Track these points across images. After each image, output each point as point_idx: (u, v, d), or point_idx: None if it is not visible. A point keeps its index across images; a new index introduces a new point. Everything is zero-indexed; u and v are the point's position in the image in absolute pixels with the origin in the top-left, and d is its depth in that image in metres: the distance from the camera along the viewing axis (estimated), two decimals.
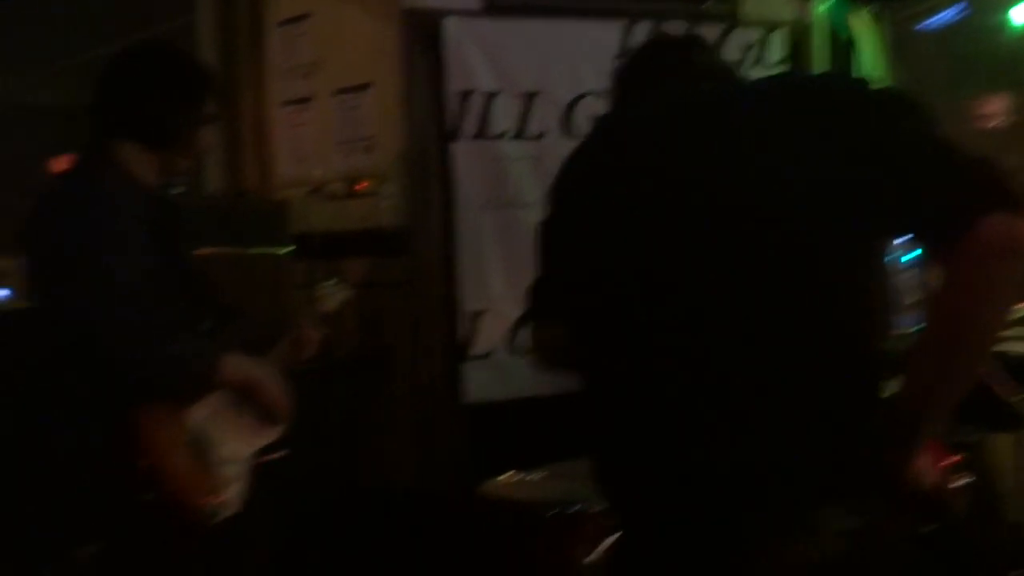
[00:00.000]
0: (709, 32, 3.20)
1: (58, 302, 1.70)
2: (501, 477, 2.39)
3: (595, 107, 3.10)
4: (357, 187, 3.17)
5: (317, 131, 3.31)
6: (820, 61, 3.43)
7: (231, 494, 1.79)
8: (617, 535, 1.91)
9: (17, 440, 2.39)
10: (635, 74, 1.47)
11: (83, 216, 1.69)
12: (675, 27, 3.16)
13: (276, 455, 1.90)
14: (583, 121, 3.11)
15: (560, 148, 3.08)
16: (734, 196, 1.20)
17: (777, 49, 3.30)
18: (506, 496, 2.28)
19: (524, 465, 2.45)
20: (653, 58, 1.48)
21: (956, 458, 1.27)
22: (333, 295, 2.19)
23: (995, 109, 11.77)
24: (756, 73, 3.26)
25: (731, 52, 3.25)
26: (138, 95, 1.81)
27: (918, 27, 5.41)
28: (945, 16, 6.55)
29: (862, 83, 1.36)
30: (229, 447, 1.82)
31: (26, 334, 2.05)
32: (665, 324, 1.24)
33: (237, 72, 3.43)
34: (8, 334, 2.60)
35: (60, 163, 2.55)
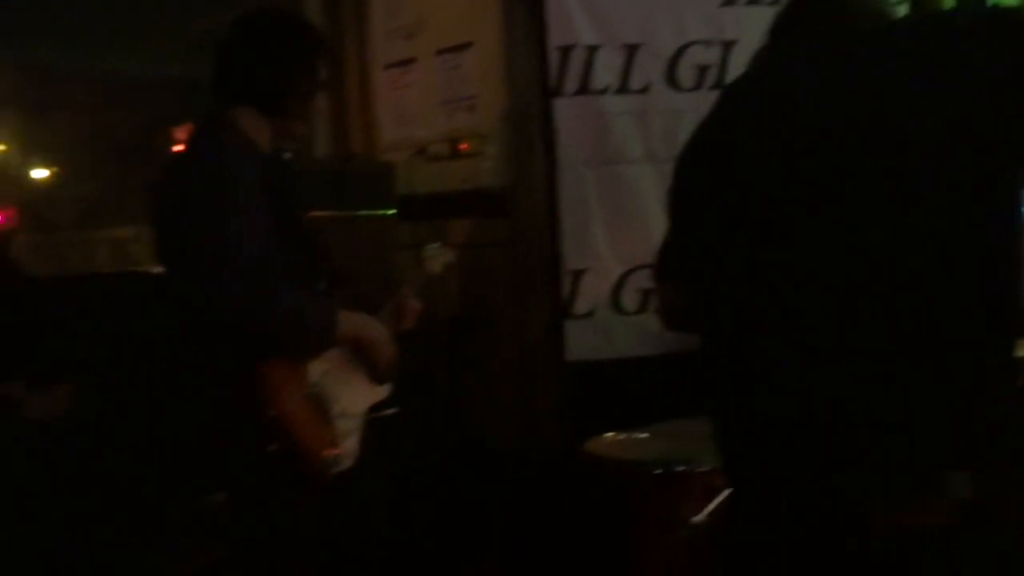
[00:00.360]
0: None
1: (187, 267, 1.76)
2: (605, 436, 2.40)
3: (700, 57, 3.01)
4: (460, 147, 3.18)
5: (420, 92, 3.33)
6: None
7: (348, 447, 1.85)
8: (725, 494, 1.90)
9: (147, 394, 2.54)
10: (784, 27, 1.41)
11: (205, 183, 1.74)
12: None
13: (387, 412, 1.96)
14: (688, 72, 3.01)
15: (664, 101, 3.05)
16: (873, 150, 1.15)
17: None
18: (611, 455, 2.28)
19: (626, 424, 2.45)
20: (804, 10, 1.41)
21: None
22: (436, 257, 2.23)
23: None
24: None
25: None
26: (253, 62, 1.84)
27: None
28: None
29: (995, 14, 1.26)
30: (346, 402, 1.88)
31: (152, 297, 2.17)
32: (792, 281, 1.20)
33: (342, 37, 3.48)
34: (136, 297, 2.76)
35: (180, 133, 2.66)
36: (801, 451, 1.18)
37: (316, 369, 1.84)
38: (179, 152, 2.03)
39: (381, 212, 3.07)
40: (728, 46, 3.03)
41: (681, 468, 2.08)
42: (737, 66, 3.03)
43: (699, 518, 1.88)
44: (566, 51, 2.94)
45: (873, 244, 1.15)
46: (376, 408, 1.96)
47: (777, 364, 1.21)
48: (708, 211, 1.32)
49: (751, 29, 3.01)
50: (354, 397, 1.91)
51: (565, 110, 2.96)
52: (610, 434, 2.39)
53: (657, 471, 2.10)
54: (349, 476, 1.85)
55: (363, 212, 3.03)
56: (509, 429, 3.16)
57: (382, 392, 1.99)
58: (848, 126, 1.17)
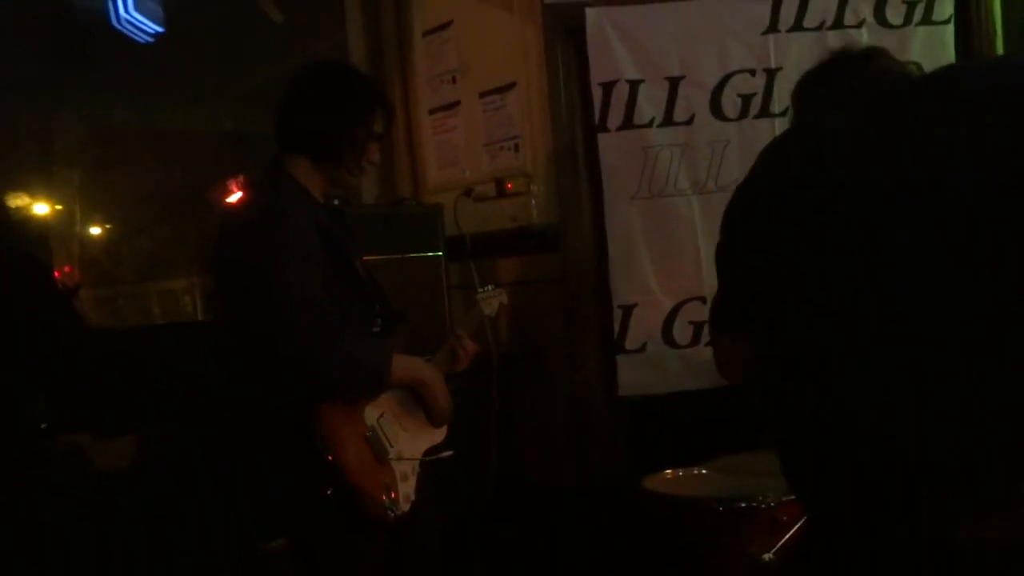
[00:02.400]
0: None
1: (244, 313, 1.79)
2: (664, 472, 2.36)
3: (744, 86, 3.00)
4: (507, 187, 3.21)
5: (465, 134, 3.37)
6: (994, 13, 3.14)
7: (405, 491, 1.85)
8: (797, 529, 1.85)
9: (208, 441, 2.58)
10: (814, 87, 1.43)
11: (261, 230, 1.77)
12: None
13: (444, 454, 1.95)
14: (731, 101, 3.00)
15: (709, 131, 3.04)
16: (924, 199, 1.16)
17: (944, 5, 3.06)
18: (669, 491, 2.24)
19: (681, 459, 2.40)
20: (833, 70, 1.43)
21: None
22: (490, 299, 2.25)
23: None
24: (922, 32, 3.05)
25: (892, 13, 3.04)
26: (308, 111, 1.88)
27: None
28: None
29: None
30: (402, 445, 1.88)
31: (209, 344, 2.21)
32: (875, 318, 1.20)
33: (387, 84, 3.55)
34: (194, 344, 2.81)
35: (234, 184, 2.74)
36: (886, 477, 1.17)
37: (372, 413, 1.85)
38: (237, 199, 2.06)
39: (430, 253, 3.10)
40: (771, 73, 3.02)
41: (743, 504, 2.04)
42: (782, 93, 3.02)
43: (769, 555, 1.83)
44: (609, 87, 2.96)
45: (934, 284, 1.15)
46: (432, 451, 1.96)
47: (861, 395, 1.21)
48: (763, 263, 1.33)
49: (794, 56, 3.01)
50: (411, 441, 1.91)
51: (610, 145, 2.97)
52: (668, 470, 2.35)
53: (719, 507, 2.05)
54: (407, 520, 1.84)
55: (412, 254, 3.06)
56: (564, 467, 3.13)
57: (438, 435, 1.98)
58: (900, 175, 1.18)
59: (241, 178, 2.19)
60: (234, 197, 2.21)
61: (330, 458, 1.72)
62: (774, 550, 1.84)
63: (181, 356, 2.80)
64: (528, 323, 3.20)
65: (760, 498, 2.01)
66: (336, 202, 2.33)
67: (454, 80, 3.37)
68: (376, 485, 1.78)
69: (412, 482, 1.88)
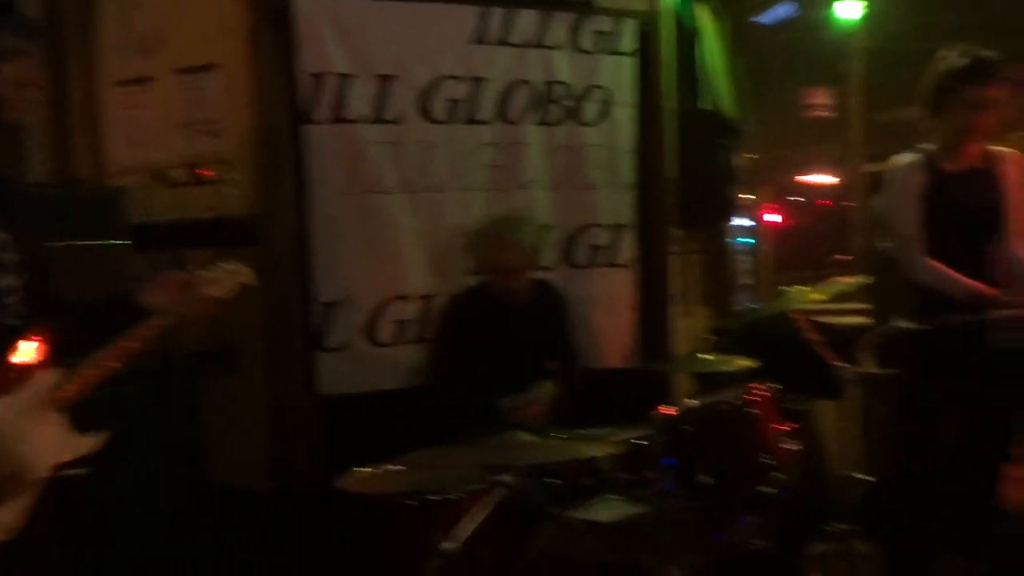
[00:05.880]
0: (564, 19, 3.24)
1: None
2: (358, 470, 2.33)
3: (452, 91, 3.08)
4: (203, 173, 2.99)
5: (157, 113, 3.09)
6: (668, 51, 3.53)
7: (2, 519, 1.59)
8: (475, 521, 1.90)
9: None
10: None
11: None
12: (529, 15, 3.18)
13: (72, 472, 1.69)
14: (441, 105, 3.07)
15: (418, 132, 3.08)
16: None
17: (629, 38, 3.37)
18: (364, 489, 2.23)
19: (382, 457, 2.40)
20: None
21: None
22: (221, 280, 1.81)
23: (819, 101, 12.65)
24: (609, 60, 3.33)
25: (585, 39, 3.30)
26: None
27: (753, 20, 5.71)
28: (778, 11, 6.96)
29: None
30: (13, 461, 1.62)
31: None
32: None
33: (64, 47, 3.16)
34: None
35: None
36: None
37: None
38: None
39: (114, 241, 2.79)
40: (478, 82, 3.13)
41: (433, 497, 2.07)
42: (487, 101, 3.14)
43: (449, 545, 1.87)
44: (318, 77, 2.88)
45: None
46: (66, 466, 1.67)
47: None
48: None
49: (498, 68, 3.15)
50: (29, 456, 1.63)
51: (318, 137, 2.90)
52: (365, 468, 2.33)
53: (410, 502, 2.07)
54: (8, 552, 1.59)
55: (93, 241, 2.73)
56: (258, 467, 2.99)
57: (82, 445, 1.70)
58: None
59: None
60: None
61: None
62: (454, 539, 1.87)
63: None
64: (223, 318, 3.01)
65: (449, 490, 2.05)
66: None
67: (147, 52, 3.08)
68: None
69: (18, 506, 1.61)
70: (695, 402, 2.44)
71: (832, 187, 12.75)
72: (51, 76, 3.02)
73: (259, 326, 2.98)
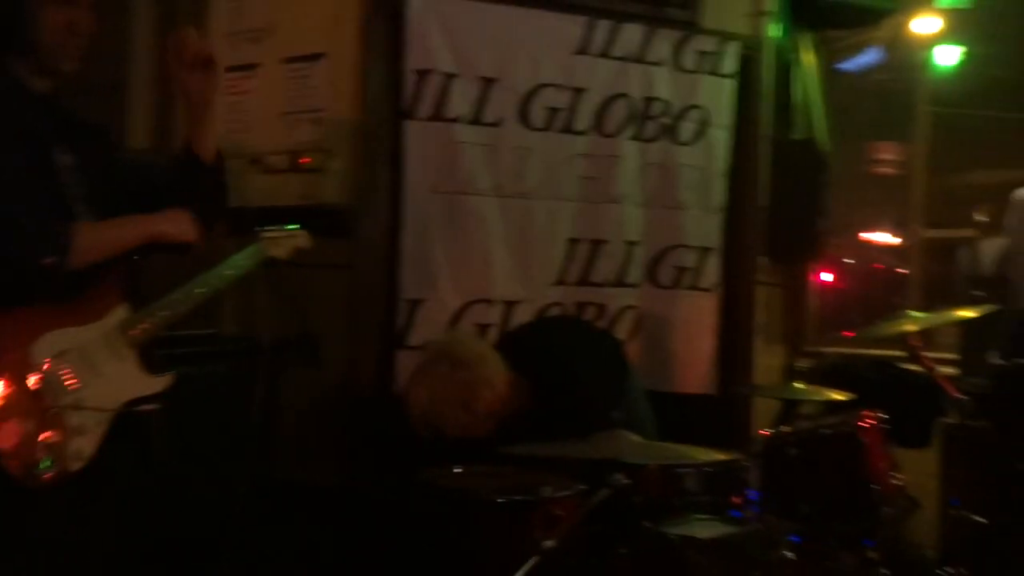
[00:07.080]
0: (667, 36, 3.23)
1: None
2: (439, 468, 2.29)
3: (552, 99, 3.07)
4: (301, 161, 3.01)
5: (261, 100, 3.13)
6: (768, 78, 3.50)
7: (77, 446, 1.61)
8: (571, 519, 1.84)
9: None
10: None
11: None
12: (634, 29, 3.18)
13: (146, 408, 1.71)
14: (539, 112, 3.06)
15: (515, 137, 3.07)
16: None
17: (731, 61, 3.35)
18: (449, 485, 2.18)
19: (455, 459, 2.36)
20: None
21: None
22: (281, 241, 1.98)
23: (886, 156, 12.38)
24: (710, 81, 3.31)
25: (687, 58, 3.28)
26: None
27: (838, 65, 5.66)
28: (864, 58, 6.90)
29: None
30: (90, 391, 1.65)
31: None
32: None
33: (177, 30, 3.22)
34: None
35: None
36: None
37: (48, 347, 1.60)
38: None
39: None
40: (578, 93, 3.12)
41: (522, 497, 2.03)
42: (585, 112, 3.13)
43: (550, 543, 1.82)
44: (422, 75, 2.89)
45: None
46: (137, 402, 1.70)
47: None
48: None
49: (599, 80, 3.14)
50: (105, 387, 1.66)
51: (416, 134, 2.90)
52: (452, 466, 2.28)
53: (500, 500, 2.03)
54: (83, 481, 1.60)
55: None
56: (327, 464, 2.95)
57: (150, 385, 1.73)
58: None
59: None
60: None
61: None
62: (552, 539, 1.83)
63: None
64: (302, 309, 3.00)
65: (537, 491, 2.02)
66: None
67: (256, 40, 3.13)
68: (15, 437, 1.53)
69: (92, 437, 1.63)
70: (803, 424, 2.36)
71: (891, 247, 12.52)
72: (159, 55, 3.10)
73: (341, 319, 2.97)
